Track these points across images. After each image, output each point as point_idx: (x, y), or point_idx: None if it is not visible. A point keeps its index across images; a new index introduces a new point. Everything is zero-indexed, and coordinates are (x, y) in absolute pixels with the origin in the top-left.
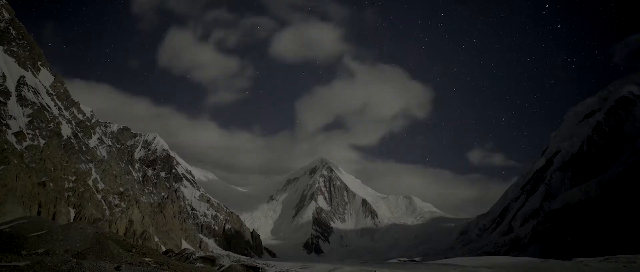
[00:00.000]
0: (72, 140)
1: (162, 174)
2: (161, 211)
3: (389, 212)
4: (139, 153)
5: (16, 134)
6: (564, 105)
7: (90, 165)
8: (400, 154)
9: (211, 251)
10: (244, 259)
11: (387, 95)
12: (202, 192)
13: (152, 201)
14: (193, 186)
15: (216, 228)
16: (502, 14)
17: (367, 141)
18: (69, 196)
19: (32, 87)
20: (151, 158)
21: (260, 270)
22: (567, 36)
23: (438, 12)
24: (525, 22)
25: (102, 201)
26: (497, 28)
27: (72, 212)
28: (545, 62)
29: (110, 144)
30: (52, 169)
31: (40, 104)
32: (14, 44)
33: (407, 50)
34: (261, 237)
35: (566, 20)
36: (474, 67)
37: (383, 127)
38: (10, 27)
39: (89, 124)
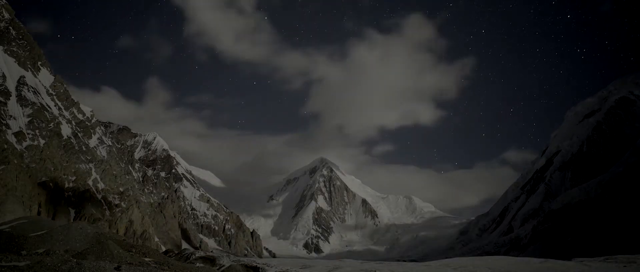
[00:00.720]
0: (72, 140)
1: (162, 174)
2: (161, 211)
3: (389, 212)
4: (139, 153)
5: (16, 134)
6: (572, 98)
7: (90, 165)
8: (408, 150)
9: (211, 251)
10: (244, 259)
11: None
12: (202, 192)
13: (152, 201)
14: (193, 186)
15: (216, 228)
16: (511, 4)
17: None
18: (69, 196)
19: (32, 87)
20: (151, 158)
21: (260, 270)
22: (577, 27)
23: (446, 3)
24: (534, 12)
25: (102, 201)
26: (506, 19)
27: (72, 212)
28: (555, 53)
29: (110, 144)
30: (52, 169)
31: (40, 104)
32: (14, 44)
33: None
34: (261, 237)
35: (575, 10)
36: (482, 59)
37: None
38: (10, 27)
39: (89, 124)
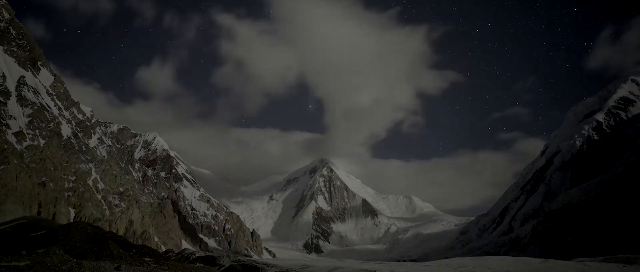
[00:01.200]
0: (72, 140)
1: (162, 174)
2: (161, 211)
3: (389, 212)
4: (139, 153)
5: (16, 134)
6: (578, 92)
7: (90, 165)
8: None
9: (211, 251)
10: (244, 259)
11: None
12: (202, 192)
13: (152, 201)
14: (193, 186)
15: (216, 228)
16: None
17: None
18: (69, 196)
19: (32, 87)
20: (151, 158)
21: (260, 270)
22: (584, 20)
23: None
24: (541, 5)
25: (102, 201)
26: (512, 12)
27: (72, 212)
28: (561, 47)
29: (110, 144)
30: (52, 169)
31: (40, 104)
32: (14, 44)
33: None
34: (261, 237)
35: (583, 3)
36: (488, 52)
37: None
38: (10, 27)
39: (89, 124)
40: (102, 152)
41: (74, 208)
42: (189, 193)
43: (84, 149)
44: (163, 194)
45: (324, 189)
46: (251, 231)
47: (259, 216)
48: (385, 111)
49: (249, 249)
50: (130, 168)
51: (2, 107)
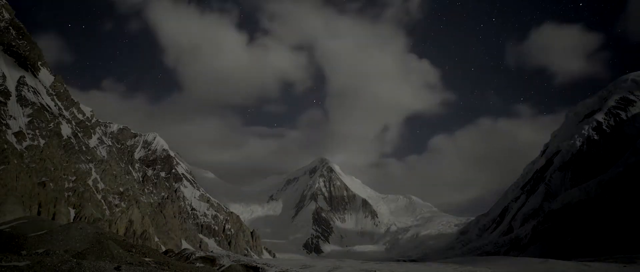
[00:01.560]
0: (72, 140)
1: (162, 174)
2: (161, 211)
3: (389, 212)
4: (139, 153)
5: (16, 134)
6: (584, 87)
7: (90, 165)
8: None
9: (211, 251)
10: (244, 259)
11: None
12: (202, 192)
13: (152, 201)
14: (193, 185)
15: (216, 228)
16: None
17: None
18: (69, 196)
19: (32, 87)
20: (151, 158)
21: (260, 270)
22: (589, 15)
23: None
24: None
25: (102, 201)
26: (516, 7)
27: (72, 212)
28: (565, 42)
29: (110, 144)
30: (52, 169)
31: (40, 104)
32: (14, 44)
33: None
34: (261, 237)
35: None
36: (492, 47)
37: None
38: (10, 27)
39: (89, 124)
40: (102, 152)
41: (74, 208)
42: (189, 193)
43: (84, 149)
44: (163, 194)
45: (324, 189)
46: (251, 231)
47: (259, 216)
48: (385, 109)
49: (249, 249)
50: (130, 168)
51: (2, 107)
